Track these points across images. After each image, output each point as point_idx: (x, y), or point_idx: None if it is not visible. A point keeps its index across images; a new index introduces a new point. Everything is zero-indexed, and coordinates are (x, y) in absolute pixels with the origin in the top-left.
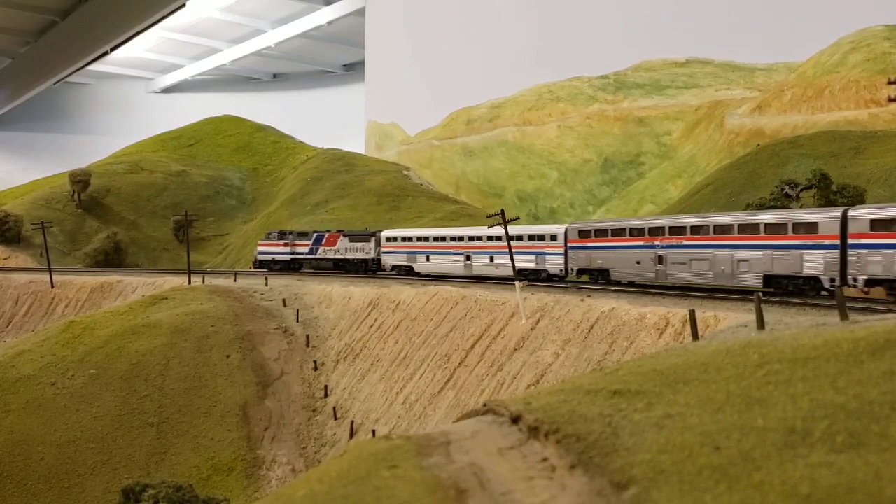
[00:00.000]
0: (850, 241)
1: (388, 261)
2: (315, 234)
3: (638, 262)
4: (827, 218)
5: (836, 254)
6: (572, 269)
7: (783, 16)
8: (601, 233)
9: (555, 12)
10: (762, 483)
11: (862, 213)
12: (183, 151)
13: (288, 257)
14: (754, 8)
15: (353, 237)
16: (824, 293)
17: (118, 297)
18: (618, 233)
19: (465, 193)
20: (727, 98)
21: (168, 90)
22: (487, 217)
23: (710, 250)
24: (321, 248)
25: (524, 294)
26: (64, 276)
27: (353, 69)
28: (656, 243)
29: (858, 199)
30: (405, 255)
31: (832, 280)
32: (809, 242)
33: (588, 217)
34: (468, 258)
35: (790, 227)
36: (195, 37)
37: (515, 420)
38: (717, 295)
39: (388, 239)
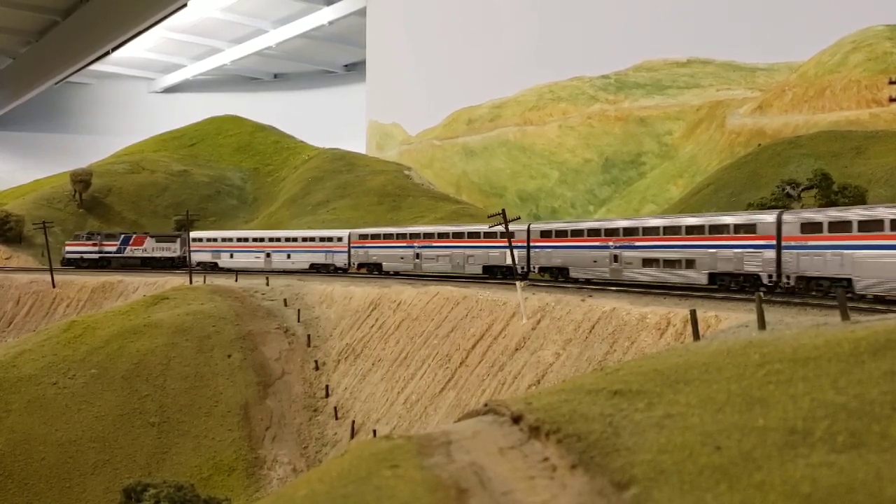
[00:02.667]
0: (783, 242)
1: (195, 258)
2: (122, 235)
3: (595, 261)
4: (764, 221)
5: (772, 253)
6: (534, 268)
7: (784, 16)
8: (561, 233)
9: (556, 12)
10: (763, 483)
11: (793, 217)
12: (184, 151)
13: (96, 255)
14: (755, 8)
15: (160, 238)
16: (763, 289)
17: (119, 296)
18: (577, 233)
19: (466, 193)
20: (728, 98)
21: (169, 90)
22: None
23: (660, 251)
24: (129, 248)
25: (525, 294)
26: (65, 275)
27: (355, 69)
28: (611, 244)
29: (860, 199)
30: (210, 254)
31: (770, 276)
32: (749, 243)
33: (590, 217)
34: (268, 255)
35: (732, 229)
36: (196, 37)
37: (516, 420)
38: (718, 295)
39: (195, 239)
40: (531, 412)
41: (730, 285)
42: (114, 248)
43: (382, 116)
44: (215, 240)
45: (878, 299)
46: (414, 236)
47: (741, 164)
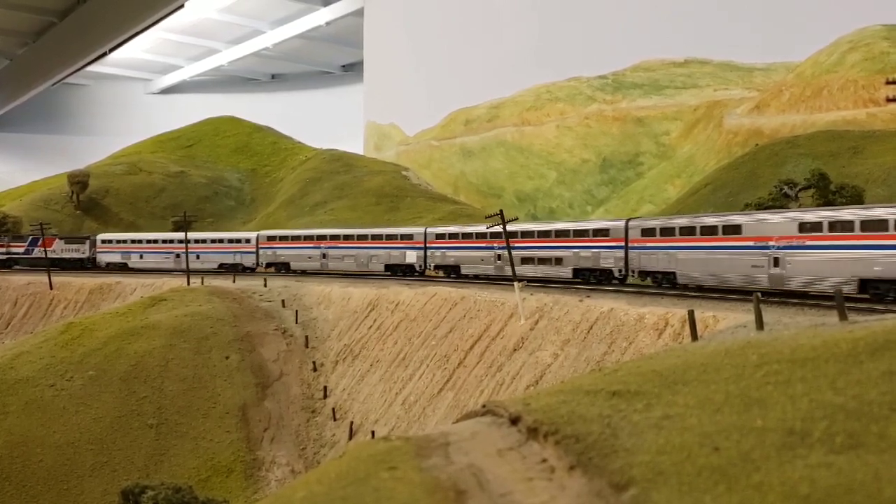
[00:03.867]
0: (630, 244)
1: (103, 258)
2: (31, 236)
3: (482, 260)
4: (615, 226)
5: (622, 252)
6: (430, 265)
7: (781, 16)
8: (454, 236)
9: (553, 13)
10: (761, 484)
11: (636, 224)
12: (181, 152)
13: (3, 256)
14: (753, 8)
15: (69, 240)
16: (615, 281)
17: (117, 298)
18: (467, 236)
19: (463, 194)
20: (726, 98)
21: (166, 91)
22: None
23: (534, 251)
24: (37, 249)
25: (523, 294)
26: (63, 277)
27: (352, 70)
28: (495, 245)
29: (857, 198)
30: (120, 255)
31: (620, 271)
32: (604, 244)
33: (587, 217)
34: (177, 256)
35: (591, 233)
36: (193, 37)
37: (514, 421)
38: (715, 295)
39: (105, 241)
40: (529, 413)
41: (589, 279)
42: (21, 250)
43: (380, 117)
44: (125, 241)
45: (701, 288)
46: (321, 238)
47: (739, 164)
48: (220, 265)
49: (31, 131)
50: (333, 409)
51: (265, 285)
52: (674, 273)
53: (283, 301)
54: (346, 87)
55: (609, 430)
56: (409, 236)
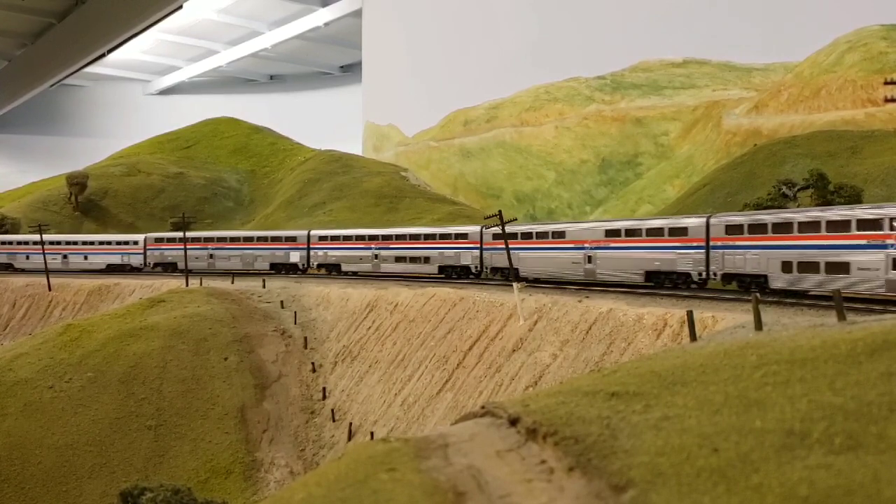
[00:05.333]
0: (484, 246)
1: None
2: None
3: (361, 259)
4: (473, 231)
5: (478, 252)
6: (313, 264)
7: (780, 16)
8: (336, 238)
9: (552, 13)
10: (760, 485)
11: (488, 230)
12: (180, 153)
13: None
14: (751, 8)
15: None
16: (472, 276)
17: (115, 299)
18: (347, 238)
19: (462, 194)
20: (724, 98)
21: (165, 92)
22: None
23: (408, 251)
24: None
25: (522, 295)
26: (61, 279)
27: (351, 70)
28: (372, 246)
29: (856, 198)
30: (6, 255)
31: (476, 267)
32: (464, 245)
33: (586, 217)
34: (65, 257)
35: (454, 236)
36: (192, 38)
37: (514, 422)
38: (710, 295)
39: None
40: (528, 414)
41: (451, 274)
42: None
43: (379, 118)
44: (10, 243)
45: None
46: (208, 240)
47: (737, 164)
48: (108, 265)
49: (30, 132)
50: (332, 410)
51: (264, 286)
52: (518, 269)
53: (281, 302)
54: (345, 87)
55: (608, 432)
56: (294, 238)
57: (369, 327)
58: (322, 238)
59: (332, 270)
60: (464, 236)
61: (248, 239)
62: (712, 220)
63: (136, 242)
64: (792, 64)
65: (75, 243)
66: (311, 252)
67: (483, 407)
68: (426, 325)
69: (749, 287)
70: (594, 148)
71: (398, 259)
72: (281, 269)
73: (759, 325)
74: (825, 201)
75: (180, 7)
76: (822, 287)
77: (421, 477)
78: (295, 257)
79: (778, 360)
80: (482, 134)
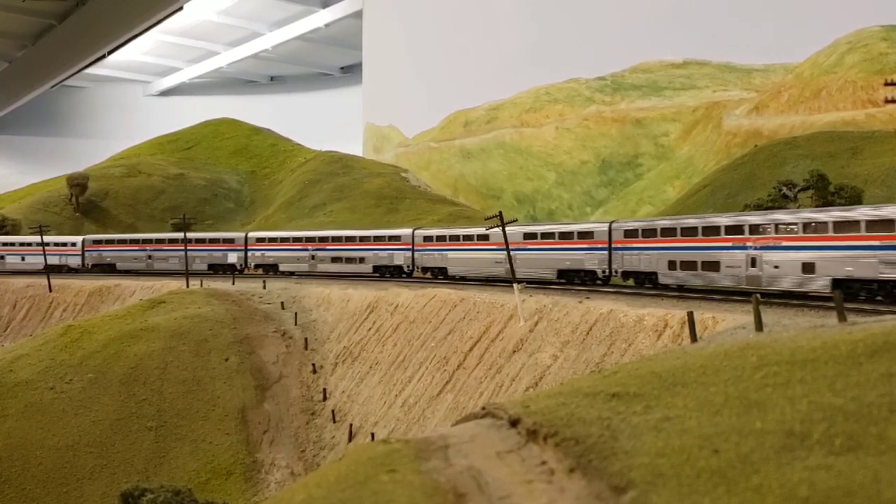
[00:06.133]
0: (416, 247)
1: None
2: None
3: (298, 259)
4: (405, 233)
5: (410, 253)
6: (251, 265)
7: (780, 17)
8: (273, 239)
9: (552, 14)
10: (761, 486)
11: (420, 232)
12: (180, 154)
13: None
14: (751, 9)
15: None
16: (404, 275)
17: (116, 300)
18: (284, 239)
19: (463, 195)
20: (724, 99)
21: (165, 93)
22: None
23: (344, 252)
24: None
25: (523, 296)
26: (62, 280)
27: (351, 71)
28: (309, 247)
29: (856, 199)
30: None
31: (408, 267)
32: (396, 247)
33: (587, 218)
34: (2, 258)
35: (387, 238)
36: (192, 40)
37: (514, 423)
38: (716, 297)
39: None
40: (529, 415)
41: (384, 273)
42: None
43: (379, 119)
44: None
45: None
46: (146, 241)
47: (738, 165)
48: (50, 266)
49: (31, 134)
50: (333, 411)
51: (264, 287)
52: (445, 269)
53: (282, 303)
54: (345, 88)
55: (608, 433)
56: (231, 240)
57: (370, 328)
58: (260, 240)
59: (269, 271)
60: (397, 238)
61: (188, 241)
62: (613, 226)
63: (74, 244)
64: (792, 65)
65: (13, 244)
66: (249, 253)
67: (483, 408)
68: (427, 326)
69: (643, 283)
70: (594, 149)
71: (335, 260)
72: (219, 269)
73: (759, 325)
74: (826, 202)
75: (181, 8)
76: (700, 281)
77: (421, 478)
78: (233, 258)
79: (778, 361)
80: (482, 135)
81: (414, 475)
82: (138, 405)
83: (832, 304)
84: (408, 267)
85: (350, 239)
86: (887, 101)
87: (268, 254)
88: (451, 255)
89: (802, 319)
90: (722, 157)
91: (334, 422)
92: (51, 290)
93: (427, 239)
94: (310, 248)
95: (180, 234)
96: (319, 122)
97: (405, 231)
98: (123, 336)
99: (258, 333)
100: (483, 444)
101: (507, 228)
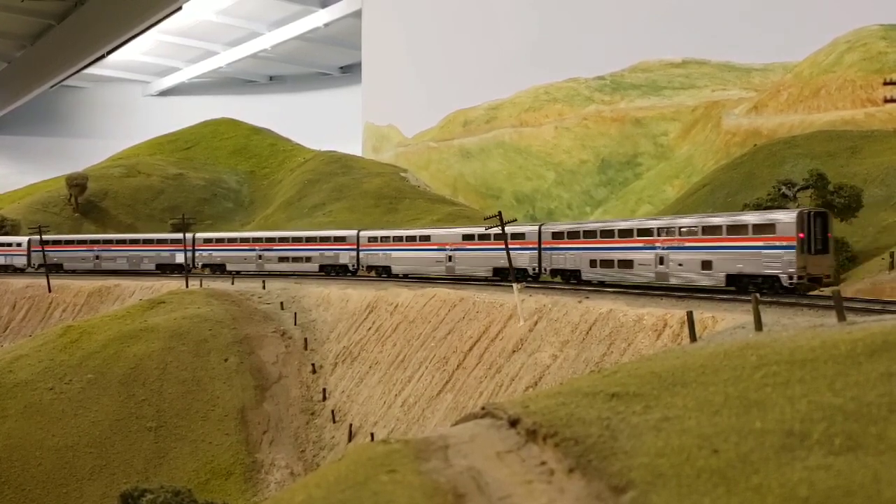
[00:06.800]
0: (361, 247)
1: None
2: None
3: (245, 259)
4: (349, 235)
5: (354, 253)
6: (198, 265)
7: (779, 16)
8: (221, 240)
9: (551, 14)
10: (760, 486)
11: (364, 233)
12: (180, 154)
13: None
14: (751, 8)
15: None
16: (349, 273)
17: (116, 301)
18: (232, 240)
19: (462, 195)
20: (724, 98)
21: (165, 93)
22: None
23: (292, 252)
24: None
25: (522, 296)
26: (61, 280)
27: (350, 71)
28: (256, 248)
29: (855, 198)
30: None
31: (353, 265)
32: (340, 247)
33: (586, 217)
34: None
35: (333, 239)
36: (192, 40)
37: (514, 423)
38: (709, 296)
39: None
40: (528, 415)
41: (329, 273)
42: None
43: (378, 118)
44: None
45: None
46: (94, 242)
47: (737, 164)
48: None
49: (30, 134)
50: (333, 412)
51: (264, 287)
52: (389, 267)
53: (281, 303)
54: (345, 88)
55: (608, 433)
56: (179, 241)
57: (369, 328)
58: (207, 240)
59: (217, 270)
60: (342, 239)
61: (135, 241)
62: (543, 228)
63: (19, 244)
64: (791, 64)
65: None
66: (197, 253)
67: (483, 408)
68: (426, 325)
69: (569, 279)
70: (594, 148)
71: (282, 259)
72: (166, 269)
73: (759, 325)
74: (825, 201)
75: (180, 8)
76: (617, 277)
77: (421, 478)
78: (180, 258)
79: (778, 360)
80: (482, 134)
81: (414, 475)
82: (138, 405)
83: (832, 304)
84: (353, 266)
85: (297, 239)
86: (886, 101)
87: (215, 254)
88: (394, 254)
89: (802, 319)
90: (721, 157)
91: (334, 422)
92: (50, 291)
93: (372, 240)
94: (257, 248)
95: (127, 235)
96: (319, 122)
97: (350, 232)
98: (123, 336)
99: (258, 333)
100: (483, 444)
101: (449, 230)
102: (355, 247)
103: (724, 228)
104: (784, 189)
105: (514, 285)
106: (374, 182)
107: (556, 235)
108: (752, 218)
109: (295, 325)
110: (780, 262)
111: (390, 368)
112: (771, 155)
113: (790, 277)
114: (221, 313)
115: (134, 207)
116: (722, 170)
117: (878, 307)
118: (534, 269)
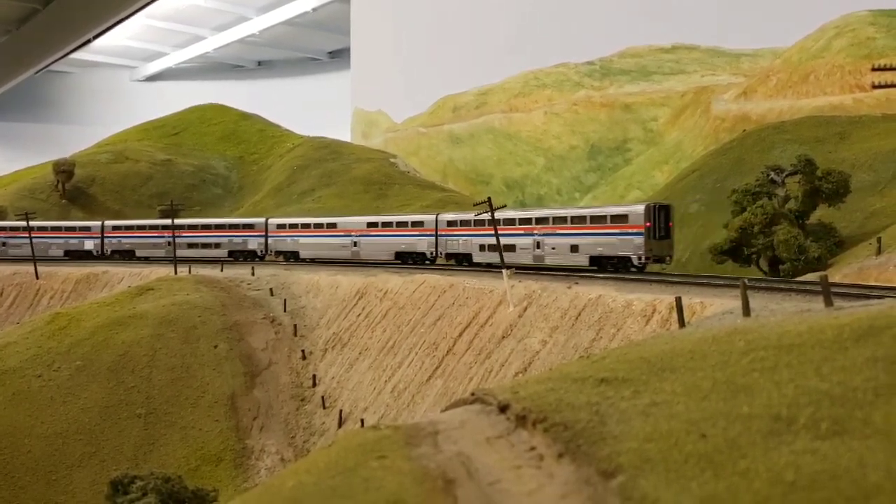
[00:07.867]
0: (269, 235)
1: None
2: None
3: (155, 245)
4: (258, 223)
5: (263, 240)
6: (107, 251)
7: (768, 1)
8: (130, 228)
9: None
10: (747, 470)
11: (273, 221)
12: (168, 140)
13: None
14: None
15: None
16: (258, 258)
17: (104, 287)
18: (141, 227)
19: (452, 181)
20: (713, 84)
21: (152, 78)
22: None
23: (202, 238)
24: None
25: (512, 282)
26: (49, 267)
27: (339, 56)
28: (165, 234)
29: (843, 184)
30: None
31: (262, 251)
32: (251, 234)
33: (576, 203)
34: None
35: (242, 227)
36: (179, 24)
37: (503, 409)
38: (704, 282)
39: None
40: (518, 401)
41: (238, 258)
42: None
43: (367, 104)
44: None
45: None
46: (2, 229)
47: (726, 149)
48: None
49: (16, 120)
50: (323, 398)
51: (253, 274)
52: (297, 252)
53: (271, 290)
54: (334, 73)
55: (597, 418)
56: (87, 228)
57: (359, 314)
58: (116, 227)
59: (125, 256)
60: (251, 227)
61: (42, 228)
62: (439, 217)
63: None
64: (780, 49)
65: None
66: (105, 240)
67: (473, 394)
68: (416, 311)
69: (461, 262)
70: (583, 134)
71: (191, 245)
72: (74, 255)
73: (747, 310)
74: (813, 187)
75: None
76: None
77: (411, 464)
78: (89, 245)
79: (765, 345)
80: (471, 120)
81: (403, 461)
82: (127, 392)
83: (819, 289)
84: (261, 251)
85: (206, 227)
86: (875, 86)
87: (124, 241)
88: (302, 240)
89: (789, 304)
90: (710, 142)
91: (324, 408)
92: (38, 278)
93: (280, 227)
94: (166, 234)
95: (32, 224)
96: (307, 108)
97: (259, 220)
98: (111, 323)
99: (247, 320)
100: (472, 429)
101: (354, 218)
102: (263, 233)
103: (588, 218)
104: (773, 175)
105: (504, 271)
106: (363, 168)
107: (451, 223)
108: (610, 210)
109: (285, 311)
110: (631, 245)
111: (380, 354)
112: (760, 140)
113: (639, 258)
114: (210, 300)
115: (122, 194)
116: (711, 155)
117: (864, 292)
118: (431, 253)
